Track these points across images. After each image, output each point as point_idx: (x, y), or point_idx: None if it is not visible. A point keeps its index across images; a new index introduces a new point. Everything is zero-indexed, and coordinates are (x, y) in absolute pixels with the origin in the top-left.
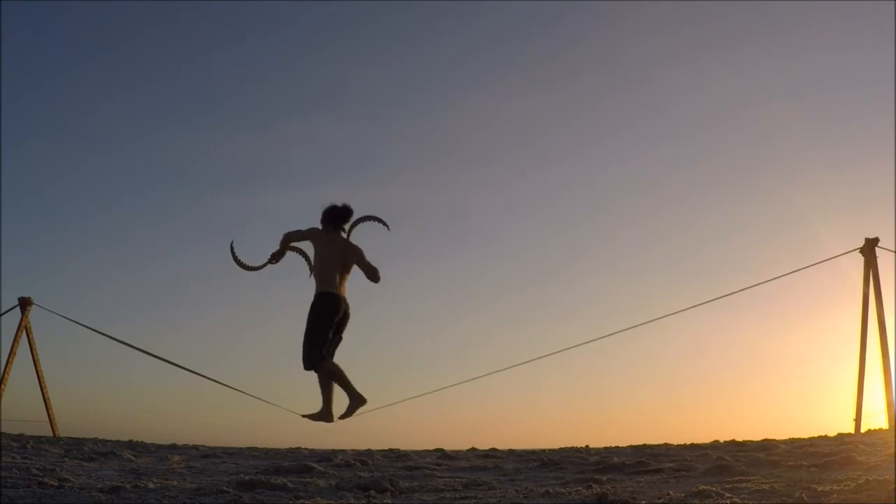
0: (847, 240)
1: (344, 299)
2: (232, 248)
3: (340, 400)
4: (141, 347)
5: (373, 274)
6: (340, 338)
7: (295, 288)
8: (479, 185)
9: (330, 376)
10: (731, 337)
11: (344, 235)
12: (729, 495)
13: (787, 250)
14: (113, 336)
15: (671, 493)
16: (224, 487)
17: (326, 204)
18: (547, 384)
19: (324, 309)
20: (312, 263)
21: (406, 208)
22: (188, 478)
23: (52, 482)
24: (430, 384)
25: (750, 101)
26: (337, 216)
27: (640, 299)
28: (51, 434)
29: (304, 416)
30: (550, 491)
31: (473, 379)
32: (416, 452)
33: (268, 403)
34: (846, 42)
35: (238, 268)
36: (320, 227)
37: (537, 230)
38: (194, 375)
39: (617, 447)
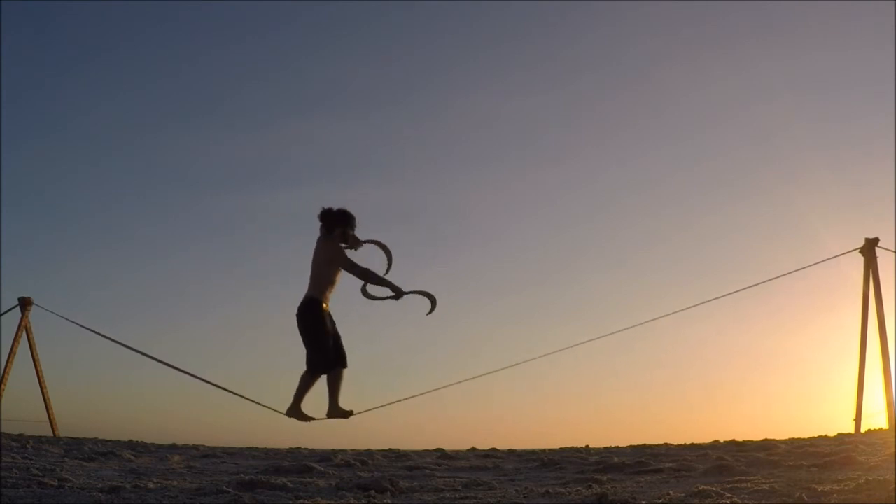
0: (847, 240)
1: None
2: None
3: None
4: (137, 349)
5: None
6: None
7: (294, 289)
8: (479, 185)
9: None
10: (731, 337)
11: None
12: (729, 495)
13: (787, 250)
14: (110, 337)
15: (671, 493)
16: (224, 487)
17: (327, 208)
18: (547, 384)
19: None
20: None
21: (406, 208)
22: (188, 478)
23: (52, 482)
24: (431, 384)
25: (750, 101)
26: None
27: (640, 299)
28: (51, 434)
29: (322, 418)
30: (550, 491)
31: (473, 378)
32: (416, 452)
33: (272, 410)
34: (846, 42)
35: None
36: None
37: (537, 230)
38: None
39: (617, 447)
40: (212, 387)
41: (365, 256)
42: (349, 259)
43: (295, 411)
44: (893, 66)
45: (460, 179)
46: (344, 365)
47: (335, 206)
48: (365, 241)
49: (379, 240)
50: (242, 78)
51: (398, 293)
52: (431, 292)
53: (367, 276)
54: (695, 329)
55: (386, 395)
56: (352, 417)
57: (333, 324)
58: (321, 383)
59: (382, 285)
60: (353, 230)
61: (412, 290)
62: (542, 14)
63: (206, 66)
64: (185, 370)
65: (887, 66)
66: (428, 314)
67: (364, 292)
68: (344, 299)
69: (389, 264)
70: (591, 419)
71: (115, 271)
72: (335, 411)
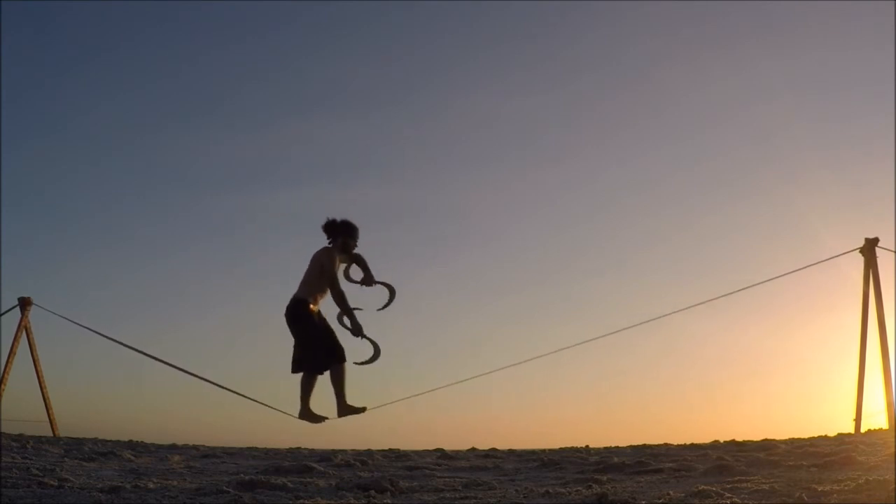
0: (847, 240)
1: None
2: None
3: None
4: (137, 348)
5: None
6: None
7: (294, 289)
8: (479, 185)
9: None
10: (731, 337)
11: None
12: (729, 495)
13: (787, 250)
14: (109, 336)
15: (671, 493)
16: (224, 487)
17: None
18: (547, 384)
19: None
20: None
21: (406, 208)
22: (188, 478)
23: (52, 482)
24: (431, 384)
25: (750, 101)
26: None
27: (640, 299)
28: (51, 434)
29: (335, 417)
30: (550, 491)
31: (471, 378)
32: (416, 452)
33: (283, 413)
34: (846, 42)
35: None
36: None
37: (537, 230)
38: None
39: (617, 447)
40: (212, 387)
41: (372, 296)
42: (335, 277)
43: (306, 413)
44: (893, 66)
45: (460, 179)
46: (342, 360)
47: (339, 217)
48: (379, 283)
49: (391, 284)
50: (242, 78)
51: (355, 331)
52: (379, 345)
53: (339, 302)
54: (695, 329)
55: (386, 395)
56: (352, 417)
57: (323, 320)
58: (325, 383)
59: (347, 315)
60: (356, 241)
61: (368, 336)
62: (542, 14)
63: (206, 66)
64: (193, 372)
65: (887, 66)
66: (361, 363)
67: (338, 318)
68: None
69: (386, 305)
70: (591, 419)
71: (115, 271)
72: (345, 409)
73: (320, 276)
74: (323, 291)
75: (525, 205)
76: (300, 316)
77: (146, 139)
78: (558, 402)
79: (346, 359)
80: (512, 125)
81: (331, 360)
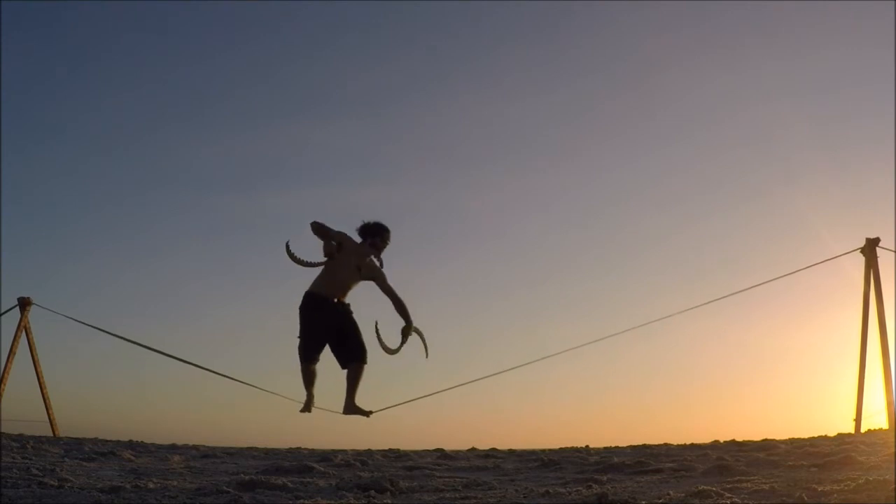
0: (848, 240)
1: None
2: (288, 248)
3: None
4: (140, 342)
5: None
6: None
7: (295, 289)
8: (480, 185)
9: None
10: (731, 337)
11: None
12: (729, 495)
13: (788, 250)
14: (112, 332)
15: (671, 493)
16: (224, 487)
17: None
18: (547, 384)
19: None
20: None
21: (406, 209)
22: (188, 478)
23: (52, 482)
24: (431, 385)
25: (750, 101)
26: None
27: (640, 300)
28: (51, 434)
29: (329, 410)
30: (550, 491)
31: (472, 381)
32: (416, 452)
33: (288, 399)
34: (846, 42)
35: (294, 263)
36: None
37: (537, 230)
38: (193, 375)
39: (617, 447)
40: (212, 387)
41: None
42: (323, 255)
43: (307, 401)
44: (893, 66)
45: (460, 179)
46: (360, 360)
47: (372, 220)
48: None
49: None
50: (242, 78)
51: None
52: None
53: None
54: (695, 329)
55: (387, 395)
56: (351, 416)
57: (339, 319)
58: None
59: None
60: (385, 241)
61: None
62: (542, 14)
63: (206, 66)
64: (190, 360)
65: (887, 66)
66: (386, 347)
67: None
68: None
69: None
70: (591, 419)
71: (115, 271)
72: (352, 408)
73: (350, 271)
74: (337, 282)
75: (525, 205)
76: (301, 308)
77: (146, 139)
78: (558, 402)
79: (368, 361)
80: (512, 125)
81: (355, 357)
